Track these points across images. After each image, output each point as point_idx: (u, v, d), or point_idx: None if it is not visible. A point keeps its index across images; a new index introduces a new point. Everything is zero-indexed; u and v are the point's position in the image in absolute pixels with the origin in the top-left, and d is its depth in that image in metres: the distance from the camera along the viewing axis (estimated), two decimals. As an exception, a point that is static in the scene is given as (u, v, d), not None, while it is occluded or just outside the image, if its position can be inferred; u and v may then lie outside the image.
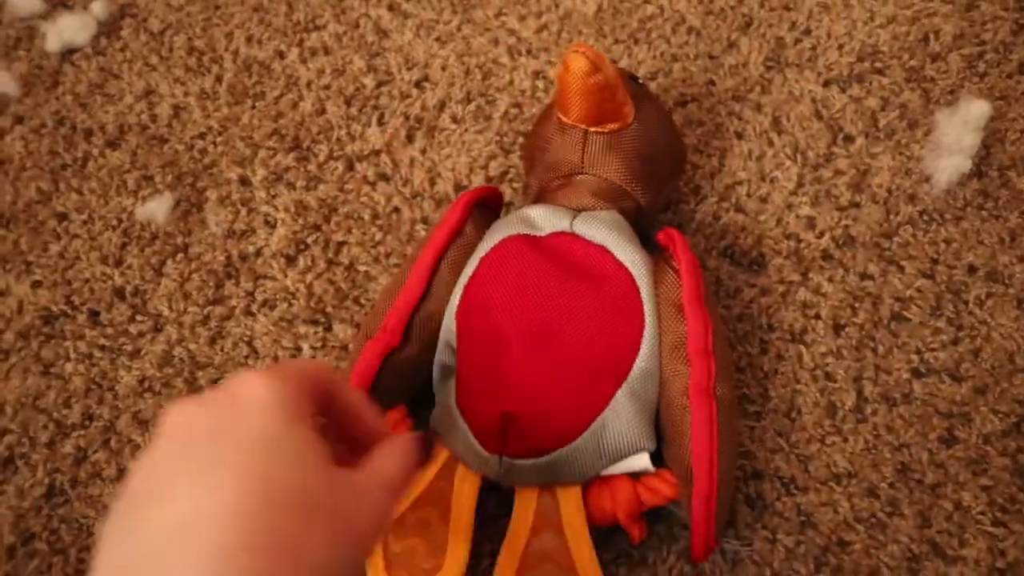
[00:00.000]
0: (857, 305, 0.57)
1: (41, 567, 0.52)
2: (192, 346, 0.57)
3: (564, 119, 0.52)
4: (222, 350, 0.57)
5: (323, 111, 0.64)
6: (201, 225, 0.60)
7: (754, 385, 0.54)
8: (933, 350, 0.55)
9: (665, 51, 0.67)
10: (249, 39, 0.69)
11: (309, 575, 0.30)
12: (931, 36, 0.66)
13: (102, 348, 0.57)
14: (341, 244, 0.60)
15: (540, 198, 0.55)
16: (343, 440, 0.38)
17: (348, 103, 0.64)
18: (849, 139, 0.62)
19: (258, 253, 0.59)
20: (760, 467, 0.52)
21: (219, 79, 0.67)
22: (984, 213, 0.59)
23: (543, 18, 0.69)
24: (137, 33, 0.70)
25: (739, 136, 0.63)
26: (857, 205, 0.60)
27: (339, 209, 0.61)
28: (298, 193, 0.61)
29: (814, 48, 0.66)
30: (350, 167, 0.62)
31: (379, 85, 0.66)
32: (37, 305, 0.58)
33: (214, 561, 0.28)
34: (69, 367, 0.57)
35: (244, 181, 0.62)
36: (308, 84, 0.66)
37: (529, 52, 0.67)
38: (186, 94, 0.65)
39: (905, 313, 0.56)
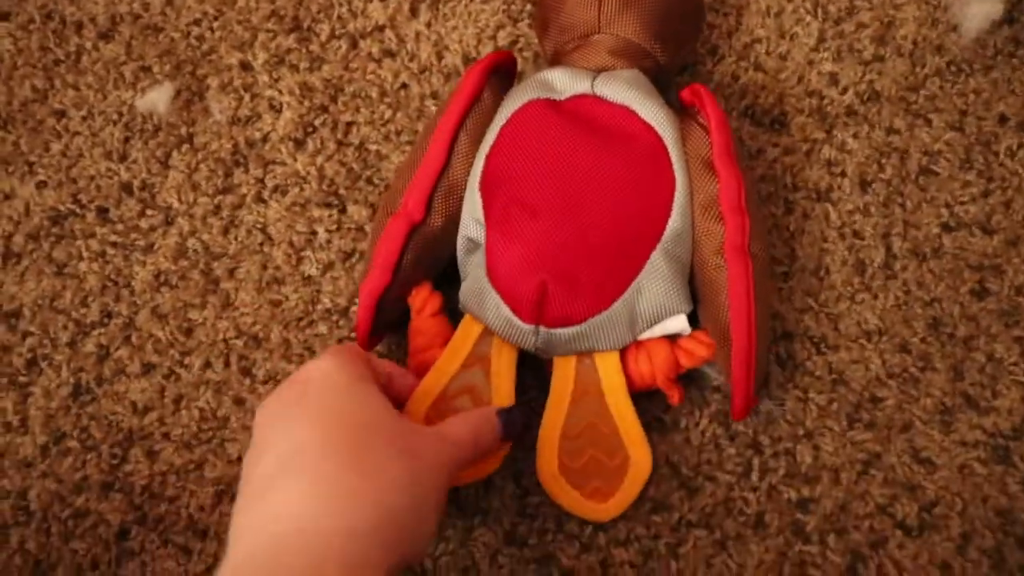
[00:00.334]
0: (884, 161, 0.55)
1: (76, 464, 0.52)
2: (205, 237, 0.56)
3: None
4: (236, 239, 0.56)
5: (321, -11, 0.62)
6: (204, 113, 0.59)
7: (781, 246, 0.53)
8: (963, 203, 0.54)
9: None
10: (238, -83, 0.66)
11: (391, 489, 0.35)
12: None
13: (114, 245, 0.56)
14: (350, 124, 0.58)
15: (556, 62, 0.53)
16: None
17: (346, -21, 0.62)
18: (871, -11, 0.60)
19: (265, 139, 0.58)
20: (790, 327, 0.52)
21: (210, -39, 0.64)
22: (1015, 61, 0.57)
23: None
24: (121, -83, 0.67)
25: (755, -8, 0.60)
26: (881, 59, 0.58)
27: (345, 89, 0.59)
28: (302, 75, 0.59)
29: None
30: (354, 45, 0.60)
31: (377, -42, 0.63)
32: (44, 206, 0.57)
33: (312, 482, 0.34)
34: (83, 266, 0.56)
35: (245, 66, 0.60)
36: (303, -39, 0.63)
37: (532, -85, 0.64)
38: (177, -22, 0.63)
39: (933, 167, 0.55)
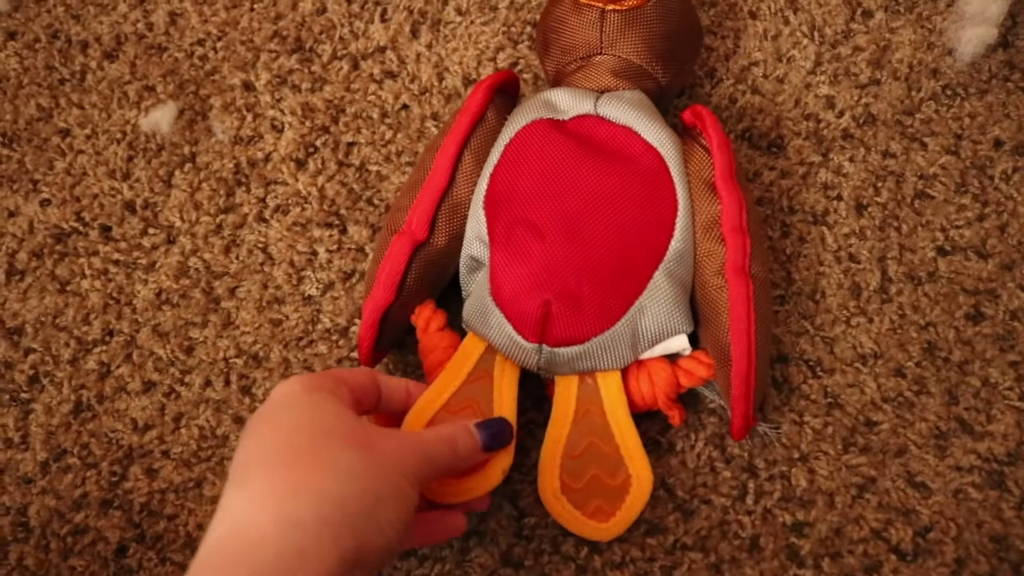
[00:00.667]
0: (880, 184, 0.56)
1: (76, 481, 0.52)
2: (207, 256, 0.56)
3: None
4: (237, 258, 0.56)
5: (324, 9, 0.62)
6: (207, 133, 0.59)
7: (777, 269, 0.54)
8: (958, 227, 0.54)
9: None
10: (242, -62, 0.66)
11: (336, 478, 0.36)
12: (952, -100, 0.63)
13: (116, 263, 0.57)
14: (351, 145, 0.58)
15: (558, 83, 0.53)
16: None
17: (349, 0, 0.62)
18: (868, 14, 0.60)
19: (267, 158, 0.58)
20: (786, 350, 0.52)
21: (214, -18, 0.65)
22: (1010, 85, 0.58)
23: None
24: (126, -63, 0.68)
25: (753, 15, 0.61)
26: (877, 82, 0.58)
27: (347, 109, 0.59)
28: (304, 95, 0.60)
29: (830, -81, 0.63)
30: (355, 66, 0.60)
31: (380, -20, 0.64)
32: (48, 224, 0.58)
33: (256, 485, 0.36)
34: (85, 284, 0.56)
35: (248, 86, 0.60)
36: (306, -18, 0.64)
37: (533, -62, 0.64)
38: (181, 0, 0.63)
39: (929, 191, 0.55)
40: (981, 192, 0.55)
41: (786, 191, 0.56)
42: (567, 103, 0.51)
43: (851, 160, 0.56)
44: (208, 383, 0.54)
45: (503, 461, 0.46)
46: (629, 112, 0.50)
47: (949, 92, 0.58)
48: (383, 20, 0.62)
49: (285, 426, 0.38)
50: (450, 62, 0.60)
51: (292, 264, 0.56)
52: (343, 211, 0.57)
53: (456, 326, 0.50)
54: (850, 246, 0.54)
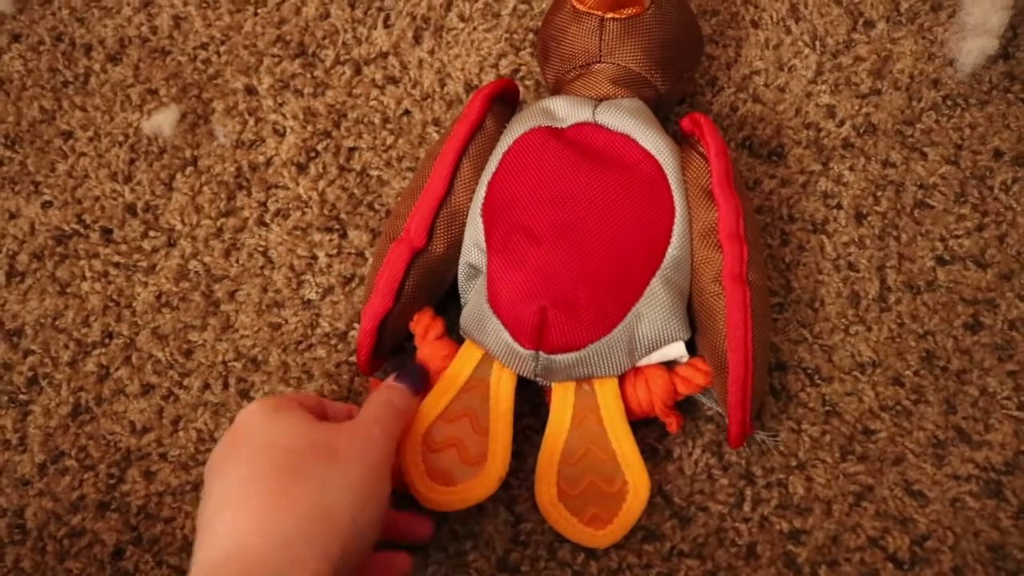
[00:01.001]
0: (879, 193, 0.56)
1: (73, 483, 0.52)
2: (207, 259, 0.56)
3: (579, 6, 0.50)
4: (237, 262, 0.56)
5: (327, 15, 0.62)
6: (209, 137, 0.59)
7: (776, 277, 0.54)
8: (957, 237, 0.54)
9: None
10: (246, -57, 0.67)
11: (311, 494, 0.38)
12: (954, -88, 0.64)
13: (117, 265, 0.57)
14: (352, 150, 0.58)
15: (557, 91, 0.53)
16: None
17: (352, 6, 0.62)
18: (870, 24, 0.60)
19: (268, 162, 0.59)
20: (784, 358, 0.52)
21: (218, -14, 0.65)
22: (1011, 96, 0.58)
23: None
24: (131, -58, 0.68)
25: (755, 24, 0.61)
26: (878, 92, 0.58)
27: (348, 114, 0.59)
28: (306, 100, 0.60)
29: (832, -71, 0.64)
30: (357, 71, 0.61)
31: (383, -14, 0.64)
32: (49, 225, 0.58)
33: (243, 510, 0.38)
34: (85, 286, 0.56)
35: (250, 90, 0.61)
36: (310, -12, 0.64)
37: (536, -55, 0.65)
38: (186, 3, 0.64)
39: (928, 200, 0.55)
40: (981, 202, 0.55)
41: (786, 200, 0.56)
42: (565, 111, 0.51)
43: (851, 169, 0.56)
44: (207, 386, 0.54)
45: (500, 468, 0.46)
46: (627, 120, 0.50)
47: (949, 102, 0.58)
48: (386, 26, 0.62)
49: (258, 451, 0.40)
50: (452, 68, 0.60)
51: (292, 268, 0.56)
52: (343, 215, 0.57)
53: (455, 333, 0.51)
54: (849, 255, 0.54)
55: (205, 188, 0.58)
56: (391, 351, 0.52)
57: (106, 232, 0.58)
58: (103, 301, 0.56)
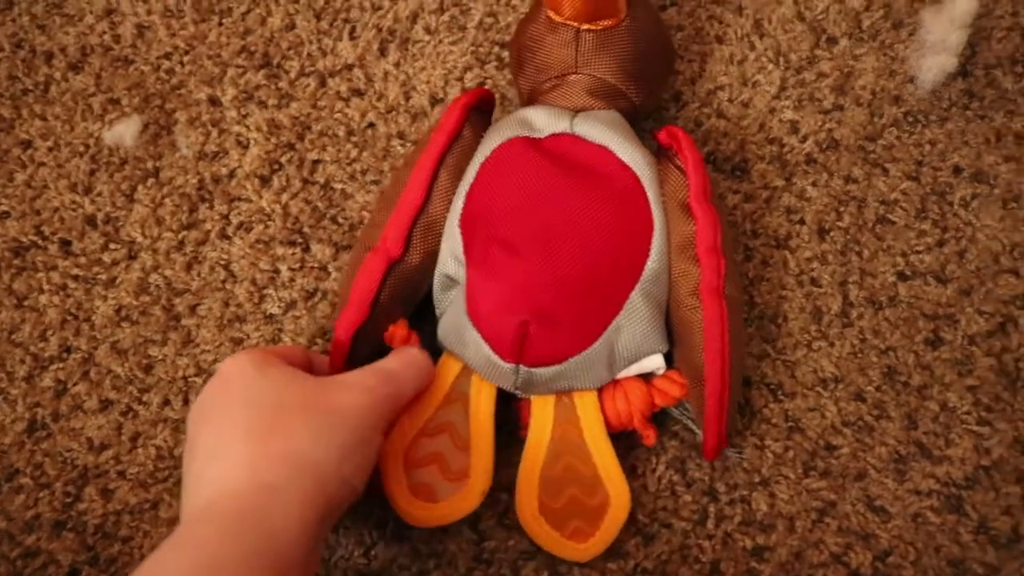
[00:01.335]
0: (842, 209, 0.56)
1: (28, 502, 0.51)
2: (168, 272, 0.56)
3: (555, 17, 0.50)
4: (199, 275, 0.56)
5: (292, 26, 0.62)
6: (171, 148, 0.59)
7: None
8: (918, 252, 0.55)
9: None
10: (210, -47, 0.66)
11: (301, 444, 0.40)
12: (915, -70, 0.64)
13: (76, 278, 0.56)
14: (316, 162, 0.58)
15: (532, 101, 0.53)
16: None
17: (318, 17, 0.62)
18: (832, 41, 0.61)
19: (231, 175, 0.58)
20: (747, 374, 0.52)
21: (181, -4, 0.64)
22: (969, 113, 0.58)
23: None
24: (93, -51, 0.67)
25: (720, 40, 0.61)
26: (841, 108, 0.59)
27: (312, 127, 0.59)
28: (270, 111, 0.59)
29: (796, -54, 0.64)
30: (322, 83, 0.60)
31: (348, -3, 0.63)
32: (6, 237, 0.57)
33: (234, 459, 0.39)
34: (43, 299, 0.55)
35: (214, 101, 0.60)
36: (274, -2, 0.64)
37: (502, -42, 0.65)
38: (149, 12, 0.63)
39: (890, 216, 0.56)
40: (941, 218, 0.56)
41: (749, 215, 0.56)
42: (543, 121, 0.50)
43: (814, 185, 0.57)
44: (167, 402, 0.53)
45: (482, 483, 0.46)
46: (605, 132, 0.50)
47: (910, 119, 0.58)
48: (352, 38, 0.61)
49: (250, 403, 0.41)
50: (417, 81, 0.60)
51: (254, 282, 0.55)
52: (307, 229, 0.56)
53: (428, 346, 0.50)
54: (812, 270, 0.55)
55: (167, 200, 0.57)
56: (363, 363, 0.51)
57: (65, 244, 0.57)
58: (61, 314, 0.55)
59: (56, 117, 0.60)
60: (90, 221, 0.57)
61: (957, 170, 0.57)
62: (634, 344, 0.47)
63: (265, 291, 0.55)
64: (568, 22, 0.50)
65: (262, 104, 0.60)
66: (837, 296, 0.54)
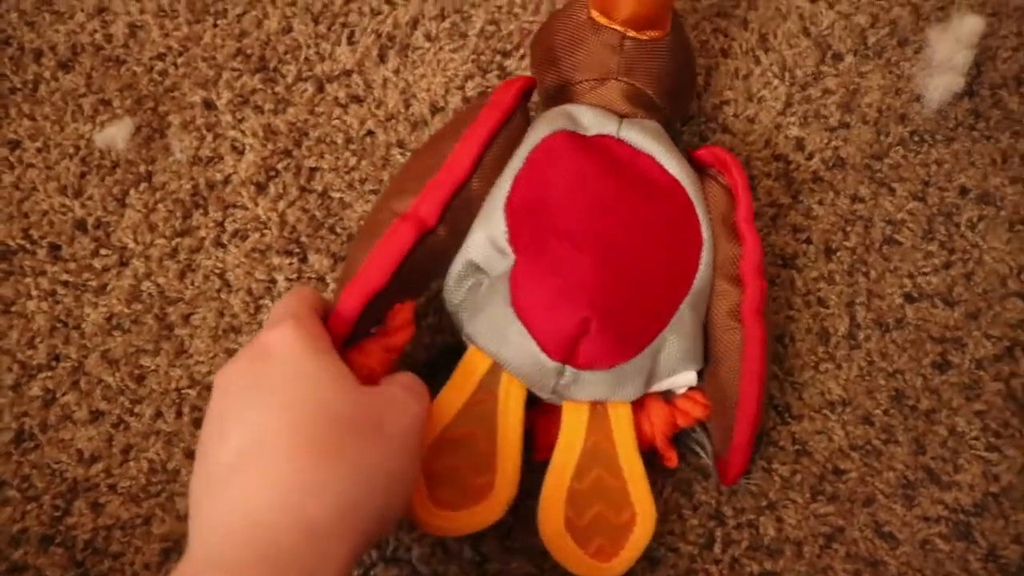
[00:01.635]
0: (848, 228, 0.56)
1: (15, 515, 0.50)
2: (161, 280, 0.54)
3: (599, 19, 0.49)
4: (193, 284, 0.54)
5: (290, 29, 0.60)
6: (165, 152, 0.57)
7: (747, 313, 0.53)
8: (925, 274, 0.55)
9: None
10: (206, -48, 0.64)
11: (356, 477, 0.35)
12: (922, -52, 0.64)
13: (65, 284, 0.54)
14: (314, 170, 0.57)
15: (561, 97, 0.51)
16: None
17: (316, 20, 0.61)
18: (838, 57, 0.60)
19: (226, 181, 0.56)
20: (755, 396, 0.52)
21: (176, -5, 0.63)
22: (975, 134, 0.58)
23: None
24: (84, -55, 0.65)
25: (725, 54, 0.60)
26: (847, 126, 0.58)
27: (310, 133, 0.58)
28: (266, 117, 0.58)
29: (802, -39, 0.64)
30: (320, 89, 0.59)
31: (348, 1, 0.62)
32: (-8, 239, 0.55)
33: (273, 475, 0.34)
34: (31, 305, 0.54)
35: (208, 104, 0.58)
36: (273, 0, 0.62)
37: (506, -35, 0.64)
38: (142, 11, 0.61)
39: (897, 236, 0.55)
40: (948, 239, 0.55)
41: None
42: (590, 120, 0.49)
43: (820, 203, 0.56)
44: (159, 414, 0.52)
45: (507, 493, 0.43)
46: (651, 142, 0.48)
47: (916, 138, 0.58)
48: (350, 43, 0.60)
49: (298, 404, 0.36)
50: (418, 88, 0.59)
51: (250, 292, 0.54)
52: (304, 239, 0.55)
53: (426, 342, 0.48)
54: (819, 290, 0.54)
55: (160, 205, 0.56)
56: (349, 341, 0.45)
57: (54, 249, 0.55)
58: (50, 321, 0.53)
59: (45, 117, 0.58)
60: (80, 225, 0.56)
61: (963, 191, 0.57)
62: (676, 358, 0.46)
63: (261, 301, 0.54)
64: (615, 26, 0.49)
65: (258, 109, 0.58)
66: (844, 317, 0.53)
